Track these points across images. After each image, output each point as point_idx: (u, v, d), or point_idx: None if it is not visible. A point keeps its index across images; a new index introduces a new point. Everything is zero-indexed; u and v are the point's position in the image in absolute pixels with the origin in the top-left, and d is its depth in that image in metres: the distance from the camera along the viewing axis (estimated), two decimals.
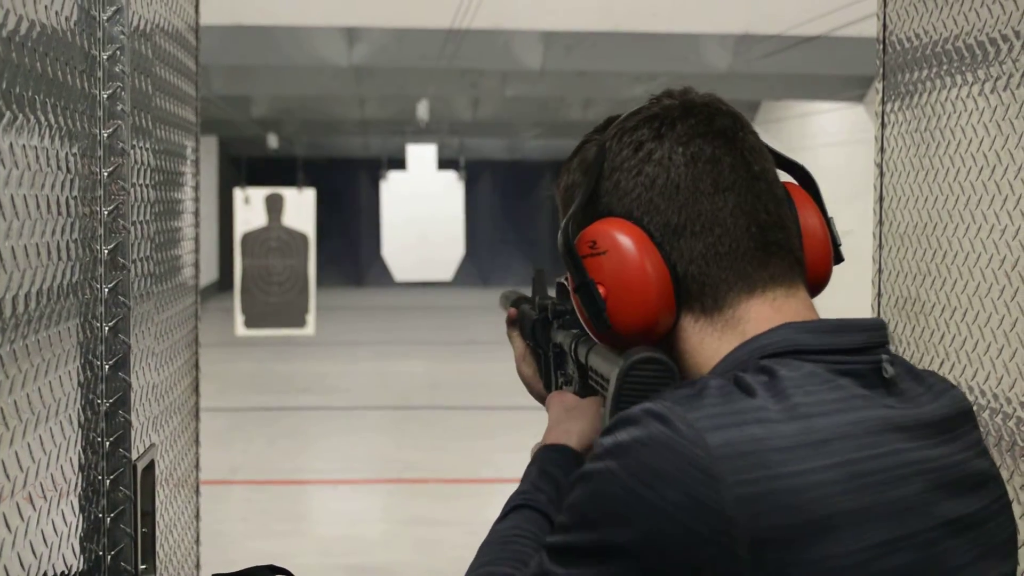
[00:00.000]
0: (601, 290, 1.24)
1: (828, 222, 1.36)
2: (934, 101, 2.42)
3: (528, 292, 1.89)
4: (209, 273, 22.50)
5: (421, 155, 20.53)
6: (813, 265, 1.31)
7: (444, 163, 21.05)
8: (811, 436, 1.11)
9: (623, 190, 1.24)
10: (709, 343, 1.24)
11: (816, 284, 1.33)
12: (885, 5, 2.61)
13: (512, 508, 1.42)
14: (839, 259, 1.36)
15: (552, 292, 1.82)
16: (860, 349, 1.21)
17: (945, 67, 2.35)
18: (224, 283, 21.84)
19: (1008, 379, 2.14)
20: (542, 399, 1.73)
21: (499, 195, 26.75)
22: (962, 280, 2.32)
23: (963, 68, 2.31)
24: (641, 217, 1.23)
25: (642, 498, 1.08)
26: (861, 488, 1.12)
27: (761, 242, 1.23)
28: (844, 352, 1.20)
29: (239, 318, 14.28)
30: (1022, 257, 2.13)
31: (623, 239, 1.22)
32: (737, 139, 1.25)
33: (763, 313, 1.23)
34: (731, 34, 11.74)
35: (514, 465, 10.10)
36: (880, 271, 2.62)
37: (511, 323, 1.86)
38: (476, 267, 25.77)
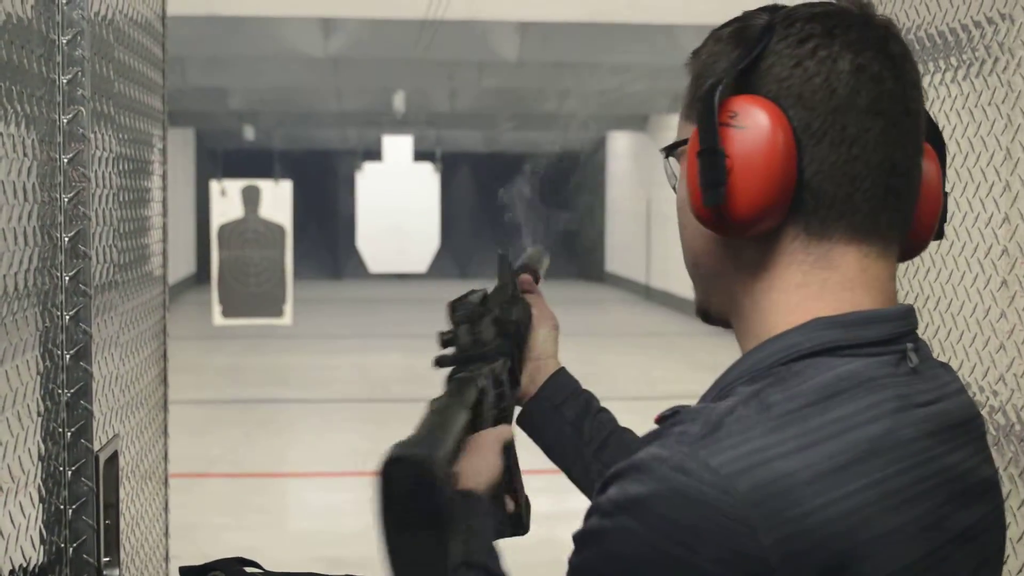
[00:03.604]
0: (727, 162, 1.14)
1: (944, 195, 1.30)
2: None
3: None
4: (186, 266, 22.42)
5: (397, 146, 20.49)
6: (917, 230, 1.25)
7: (421, 155, 21.01)
8: (842, 457, 1.07)
9: (776, 76, 1.16)
10: (792, 277, 1.18)
11: (913, 249, 1.28)
12: None
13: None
14: (940, 235, 1.31)
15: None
16: (889, 340, 1.17)
17: (921, 53, 2.33)
18: (201, 276, 21.76)
19: (980, 368, 2.14)
20: None
21: (476, 187, 26.72)
22: (934, 268, 2.31)
23: (937, 55, 2.30)
24: (787, 108, 1.15)
25: (675, 558, 1.02)
26: (892, 508, 1.09)
27: (886, 184, 1.17)
28: (875, 344, 1.16)
29: (216, 308, 14.23)
30: (994, 244, 2.12)
31: (768, 122, 1.14)
32: (905, 69, 1.19)
33: (851, 267, 1.17)
34: (708, 25, 11.72)
35: None
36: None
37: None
38: (453, 259, 25.75)
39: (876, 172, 1.16)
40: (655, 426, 1.16)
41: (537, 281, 1.88)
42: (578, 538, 1.10)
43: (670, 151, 1.28)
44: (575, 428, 1.77)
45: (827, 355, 1.14)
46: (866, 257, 1.18)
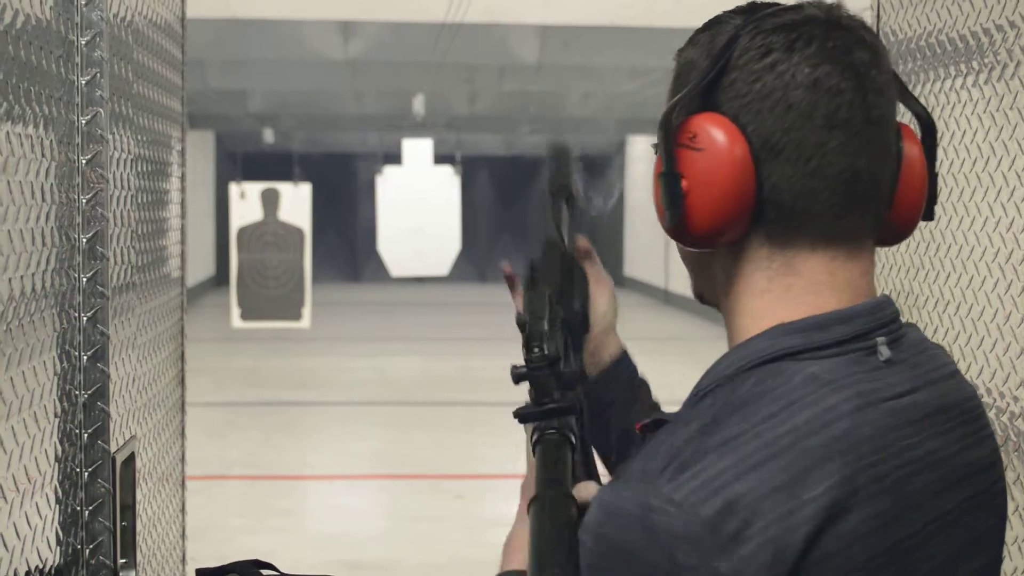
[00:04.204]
0: (684, 183, 1.20)
1: (932, 177, 1.31)
2: (927, 92, 2.40)
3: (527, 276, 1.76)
4: (205, 268, 22.47)
5: (417, 150, 20.49)
6: (900, 213, 1.27)
7: (440, 158, 21.01)
8: (798, 466, 1.09)
9: (737, 91, 1.19)
10: (757, 283, 1.22)
11: (899, 233, 1.30)
12: None
13: None
14: (929, 216, 1.32)
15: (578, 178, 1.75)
16: (853, 338, 1.19)
17: (939, 58, 2.32)
18: (220, 278, 21.80)
19: (1001, 373, 2.12)
20: None
21: (496, 190, 26.72)
22: (955, 273, 2.30)
23: (956, 59, 2.29)
24: (746, 124, 1.18)
25: None
26: (854, 505, 1.10)
27: (848, 191, 1.19)
28: (838, 344, 1.18)
29: (235, 311, 14.25)
30: (1015, 250, 2.10)
31: (724, 145, 1.18)
32: (868, 77, 1.20)
33: (817, 272, 1.21)
34: None
35: (511, 461, 10.14)
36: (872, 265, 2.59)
37: (512, 282, 1.74)
38: (473, 263, 25.75)
39: (835, 183, 1.19)
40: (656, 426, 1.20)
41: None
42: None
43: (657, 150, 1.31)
44: (619, 423, 1.74)
45: (788, 360, 1.17)
46: (833, 260, 1.21)
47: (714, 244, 1.22)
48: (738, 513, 1.07)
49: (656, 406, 1.79)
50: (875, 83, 1.20)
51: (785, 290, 1.21)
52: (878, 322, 1.22)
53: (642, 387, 1.79)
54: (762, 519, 1.07)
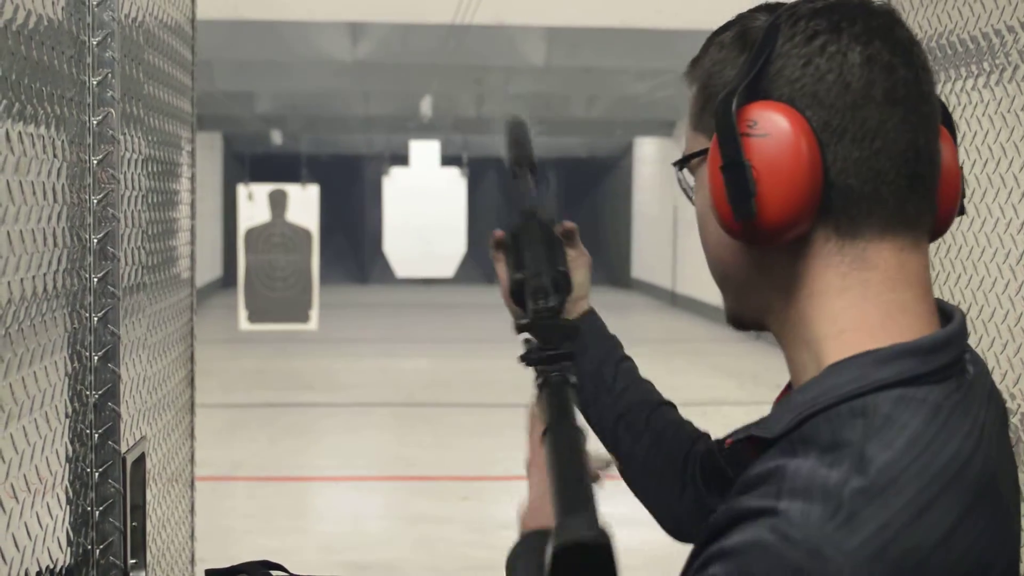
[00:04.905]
0: (754, 172, 1.13)
1: (960, 171, 1.28)
2: (938, 93, 2.39)
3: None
4: (213, 270, 22.50)
5: (424, 151, 20.52)
6: (942, 209, 1.23)
7: (447, 159, 21.04)
8: (960, 507, 1.06)
9: (788, 77, 1.14)
10: (831, 282, 1.15)
11: (939, 230, 1.25)
12: None
13: None
14: (961, 211, 1.30)
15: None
16: (957, 360, 1.15)
17: (950, 59, 2.32)
18: (228, 280, 21.82)
19: (1012, 375, 2.12)
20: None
21: (503, 192, 26.72)
22: (965, 275, 2.29)
23: (967, 60, 2.29)
24: (803, 108, 1.13)
25: None
26: (1006, 535, 1.09)
27: (911, 171, 1.15)
28: (948, 367, 1.13)
29: (242, 313, 14.26)
30: None
31: (788, 126, 1.12)
32: (914, 53, 1.17)
33: (889, 264, 1.15)
34: None
35: (517, 463, 10.10)
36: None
37: (497, 246, 1.81)
38: (479, 265, 25.75)
39: (900, 162, 1.14)
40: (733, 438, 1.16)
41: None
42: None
43: (683, 164, 1.27)
44: (597, 374, 1.79)
45: (908, 387, 1.10)
46: (901, 251, 1.16)
47: (780, 240, 1.15)
48: (913, 568, 1.02)
49: (632, 364, 1.84)
50: (921, 59, 1.18)
51: (863, 286, 1.15)
52: (966, 339, 1.19)
53: (612, 339, 1.85)
54: (937, 570, 1.03)
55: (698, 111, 1.24)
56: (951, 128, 1.29)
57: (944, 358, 1.13)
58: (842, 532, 1.02)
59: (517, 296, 1.66)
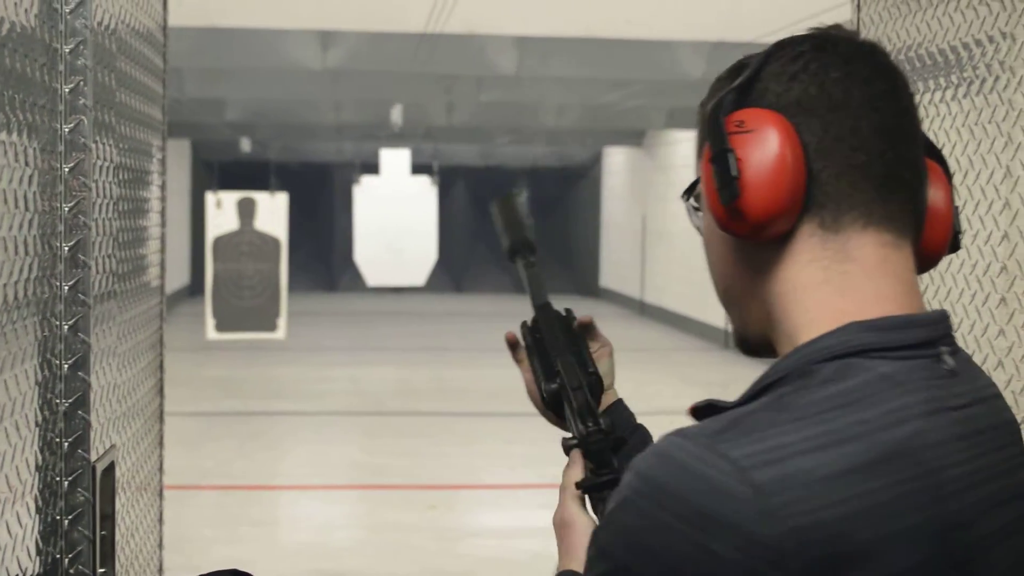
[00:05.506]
0: (738, 163, 1.20)
1: (954, 209, 1.34)
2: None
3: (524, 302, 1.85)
4: (180, 277, 22.40)
5: (395, 160, 20.49)
6: (930, 241, 1.29)
7: (418, 168, 21.01)
8: (861, 458, 1.09)
9: (773, 91, 1.23)
10: (813, 276, 1.21)
11: (928, 260, 1.31)
12: (859, 10, 2.60)
13: None
14: (956, 247, 1.34)
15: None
16: (923, 343, 1.20)
17: (917, 72, 2.34)
18: (195, 288, 21.73)
19: None
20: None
21: (473, 201, 26.73)
22: (933, 286, 2.31)
23: (935, 72, 2.31)
24: (788, 115, 1.21)
25: (690, 539, 1.06)
26: (911, 509, 1.10)
27: (890, 173, 1.21)
28: (909, 347, 1.18)
29: (210, 322, 14.19)
30: (993, 262, 2.12)
31: (771, 123, 1.20)
32: (894, 75, 1.25)
33: (870, 257, 1.21)
34: (706, 41, 11.75)
35: (486, 471, 10.10)
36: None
37: (513, 347, 1.84)
38: (449, 273, 25.74)
39: (878, 160, 1.21)
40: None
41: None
42: (597, 526, 1.14)
43: (689, 193, 1.34)
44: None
45: (860, 356, 1.16)
46: (884, 246, 1.21)
47: (767, 232, 1.21)
48: (792, 488, 1.06)
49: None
50: (901, 80, 1.25)
51: (843, 277, 1.20)
52: (941, 332, 1.22)
53: (641, 429, 1.85)
54: (816, 500, 1.06)
55: (700, 142, 1.29)
56: (945, 167, 1.34)
57: (904, 337, 1.18)
58: (728, 443, 1.09)
59: (554, 407, 1.70)
